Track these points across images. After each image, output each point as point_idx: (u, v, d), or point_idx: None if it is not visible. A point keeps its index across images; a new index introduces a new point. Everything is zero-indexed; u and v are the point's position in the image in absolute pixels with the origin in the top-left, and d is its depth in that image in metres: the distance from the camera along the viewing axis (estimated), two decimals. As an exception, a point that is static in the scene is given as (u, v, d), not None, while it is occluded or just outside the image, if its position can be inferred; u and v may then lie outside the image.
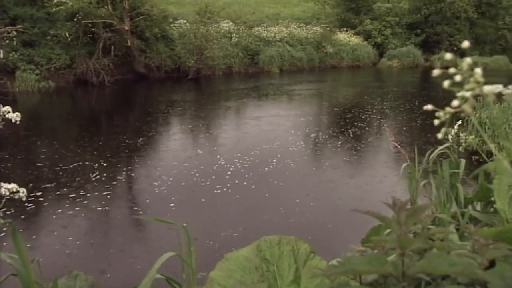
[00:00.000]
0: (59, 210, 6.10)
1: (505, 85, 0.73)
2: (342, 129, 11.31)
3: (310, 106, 15.69)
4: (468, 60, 0.61)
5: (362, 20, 33.81)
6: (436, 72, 0.66)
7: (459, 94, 0.61)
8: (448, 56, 0.66)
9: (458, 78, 0.65)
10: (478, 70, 0.64)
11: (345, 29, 32.81)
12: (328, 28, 31.20)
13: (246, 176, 7.55)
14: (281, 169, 7.98)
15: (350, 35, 32.21)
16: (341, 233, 5.43)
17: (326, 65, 29.48)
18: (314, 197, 6.63)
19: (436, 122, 0.66)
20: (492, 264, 1.02)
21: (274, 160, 8.43)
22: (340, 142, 10.05)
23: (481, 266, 0.92)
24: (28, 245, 5.09)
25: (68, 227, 5.59)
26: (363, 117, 12.99)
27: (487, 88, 0.62)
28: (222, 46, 23.62)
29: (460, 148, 2.53)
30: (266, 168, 8.00)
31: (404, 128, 11.48)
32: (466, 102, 0.61)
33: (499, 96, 0.68)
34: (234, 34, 26.07)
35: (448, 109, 0.63)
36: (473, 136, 2.50)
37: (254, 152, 9.00)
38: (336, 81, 24.14)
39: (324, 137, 10.59)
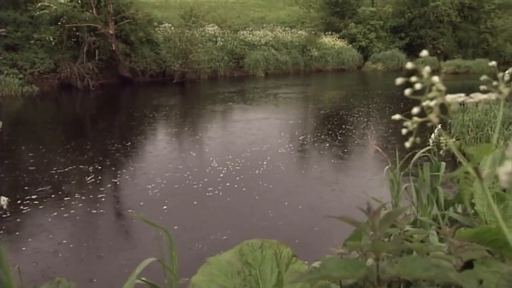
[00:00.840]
0: (52, 214, 6.05)
1: (481, 90, 0.74)
2: (330, 132, 11.37)
3: (297, 110, 15.74)
4: (427, 68, 0.62)
5: (346, 24, 34.06)
6: (399, 80, 0.67)
7: (424, 104, 0.62)
8: (409, 65, 0.67)
9: (418, 86, 0.66)
10: (436, 78, 0.65)
11: (330, 32, 33.00)
12: (313, 32, 31.37)
13: (237, 178, 7.59)
14: (271, 172, 8.03)
15: (335, 39, 32.41)
16: (328, 235, 5.46)
17: (311, 69, 29.61)
18: (303, 200, 6.66)
19: (403, 131, 0.67)
20: (469, 264, 1.04)
21: (265, 163, 8.48)
22: (327, 145, 10.11)
23: (456, 268, 0.94)
24: (24, 248, 5.07)
25: (59, 232, 5.53)
26: (350, 120, 13.08)
27: (449, 97, 0.63)
28: (207, 50, 23.62)
29: (441, 152, 2.57)
30: (257, 171, 8.04)
31: (390, 131, 11.57)
32: (432, 111, 0.62)
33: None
34: (219, 38, 26.09)
35: (415, 118, 0.65)
36: (453, 139, 2.54)
37: (245, 154, 9.06)
38: (322, 85, 24.25)
39: (312, 140, 10.65)
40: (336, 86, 23.51)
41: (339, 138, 10.71)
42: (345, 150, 9.73)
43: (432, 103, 0.61)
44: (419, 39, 34.07)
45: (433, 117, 0.61)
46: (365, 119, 13.34)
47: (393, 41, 34.32)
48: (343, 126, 12.09)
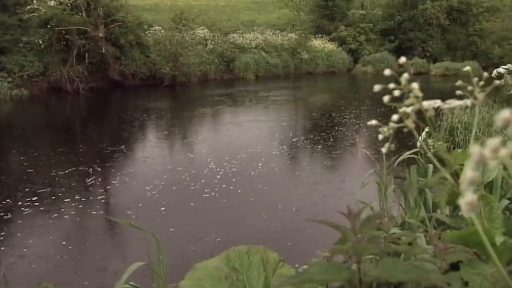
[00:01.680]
0: (44, 217, 6.02)
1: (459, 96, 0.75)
2: (322, 133, 11.42)
3: (288, 112, 15.77)
4: (405, 75, 0.63)
5: (336, 26, 34.16)
6: (377, 87, 0.68)
7: (400, 111, 0.63)
8: (387, 72, 0.68)
9: (396, 93, 0.66)
10: (415, 85, 0.66)
11: (320, 35, 33.05)
12: (303, 35, 31.41)
13: (234, 180, 7.65)
14: (266, 173, 8.10)
15: (325, 42, 32.47)
16: (321, 238, 5.46)
17: (301, 72, 29.65)
18: (296, 202, 6.70)
19: (380, 137, 0.68)
20: (457, 266, 1.04)
21: (260, 164, 8.54)
22: (320, 146, 10.17)
23: (441, 270, 0.95)
24: (12, 253, 5.04)
25: (50, 236, 5.49)
26: (342, 122, 13.13)
27: (426, 103, 0.64)
28: (197, 53, 23.57)
29: (429, 154, 2.57)
30: (252, 172, 8.11)
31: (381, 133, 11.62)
32: (408, 117, 0.63)
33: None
34: (209, 41, 26.05)
35: (391, 124, 0.65)
36: (441, 142, 2.55)
37: (241, 156, 9.14)
38: (312, 87, 24.29)
39: (305, 141, 10.73)
40: (326, 89, 23.57)
41: (331, 140, 10.76)
42: (337, 152, 9.77)
43: (408, 110, 0.62)
44: (408, 41, 34.26)
45: (409, 122, 0.62)
46: (356, 121, 13.39)
47: (382, 43, 34.45)
48: (335, 128, 12.13)
